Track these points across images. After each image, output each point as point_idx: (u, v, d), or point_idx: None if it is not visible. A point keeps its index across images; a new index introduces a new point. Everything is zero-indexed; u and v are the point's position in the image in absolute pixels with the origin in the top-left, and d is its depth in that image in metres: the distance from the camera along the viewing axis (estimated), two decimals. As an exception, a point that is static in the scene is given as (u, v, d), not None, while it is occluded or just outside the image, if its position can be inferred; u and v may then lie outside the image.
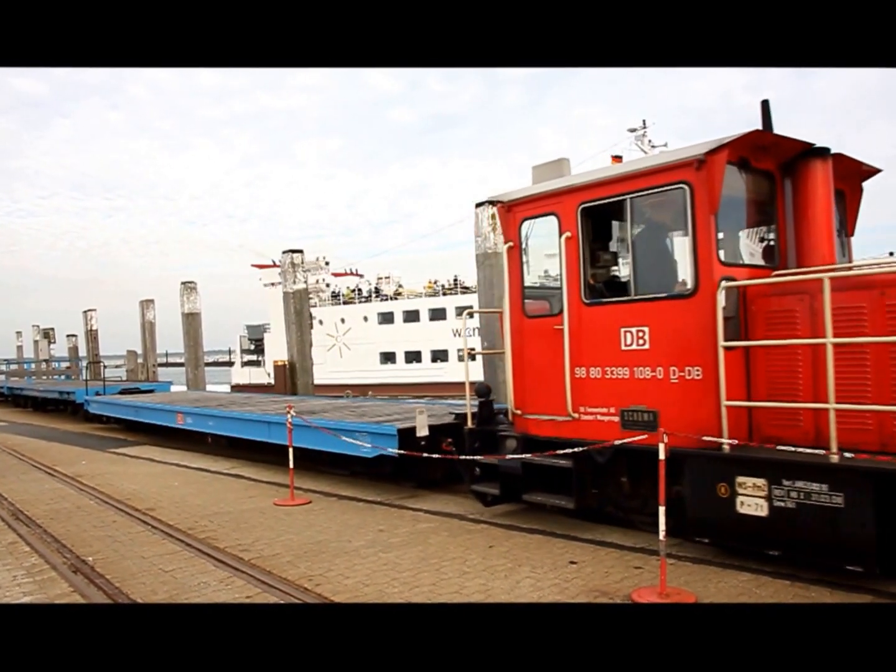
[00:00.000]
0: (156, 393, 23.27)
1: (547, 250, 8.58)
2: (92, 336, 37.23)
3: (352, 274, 63.00)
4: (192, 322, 27.53)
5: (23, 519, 9.53)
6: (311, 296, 59.09)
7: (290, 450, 10.45)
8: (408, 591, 6.20)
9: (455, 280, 50.14)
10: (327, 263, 63.00)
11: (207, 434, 15.16)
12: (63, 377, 39.81)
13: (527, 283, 8.62)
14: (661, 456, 5.95)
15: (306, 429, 11.16)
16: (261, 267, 64.96)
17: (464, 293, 48.21)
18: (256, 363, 62.87)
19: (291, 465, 10.35)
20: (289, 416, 10.60)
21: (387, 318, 51.90)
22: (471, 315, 8.22)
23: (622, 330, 7.36)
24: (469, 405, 9.21)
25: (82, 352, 40.06)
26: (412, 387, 46.20)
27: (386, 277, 58.08)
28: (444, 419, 10.55)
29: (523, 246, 8.53)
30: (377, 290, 55.73)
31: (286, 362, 21.75)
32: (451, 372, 45.44)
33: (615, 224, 8.27)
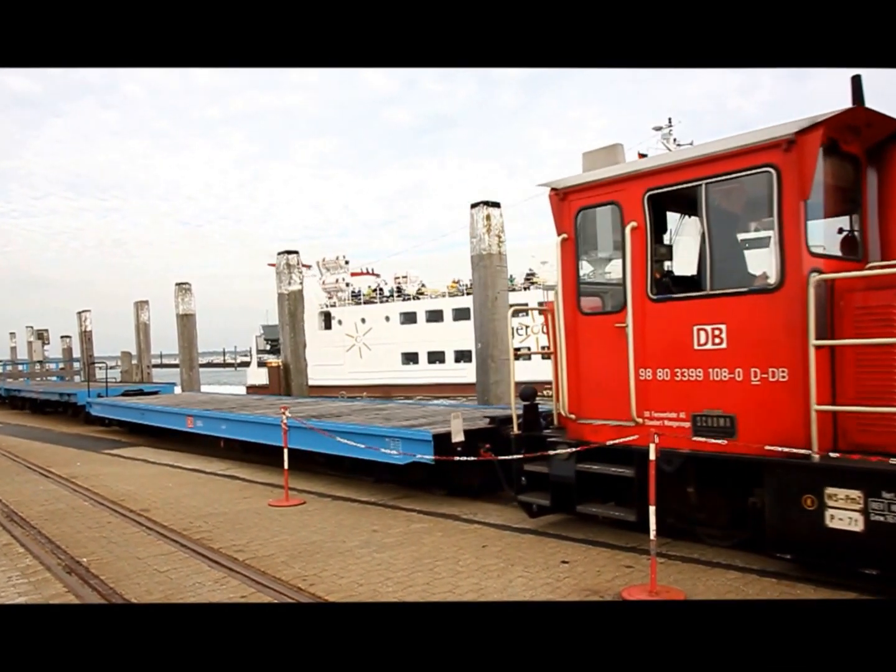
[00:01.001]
0: (160, 395, 22.79)
1: (606, 242, 7.95)
2: (86, 337, 37.16)
3: (368, 273, 61.88)
4: (186, 323, 27.50)
5: (17, 520, 9.55)
6: (329, 295, 58.05)
7: (286, 450, 10.49)
8: (402, 590, 6.25)
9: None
10: (347, 262, 62.04)
11: (220, 438, 14.62)
12: (59, 378, 39.61)
13: (582, 278, 7.97)
14: (652, 456, 6.01)
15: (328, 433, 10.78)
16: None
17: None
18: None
19: (286, 467, 10.39)
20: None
21: (409, 317, 51.01)
22: (516, 313, 7.97)
23: (695, 328, 6.79)
24: (514, 409, 8.61)
25: (76, 353, 39.98)
26: (435, 387, 45.43)
27: (404, 277, 57.04)
28: (477, 423, 9.95)
29: (579, 237, 7.86)
30: (399, 290, 54.78)
31: (280, 364, 21.76)
32: (475, 373, 44.50)
33: (687, 213, 7.76)
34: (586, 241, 7.98)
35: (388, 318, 52.30)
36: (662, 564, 6.43)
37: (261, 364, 62.46)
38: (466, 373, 46.27)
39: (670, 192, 7.12)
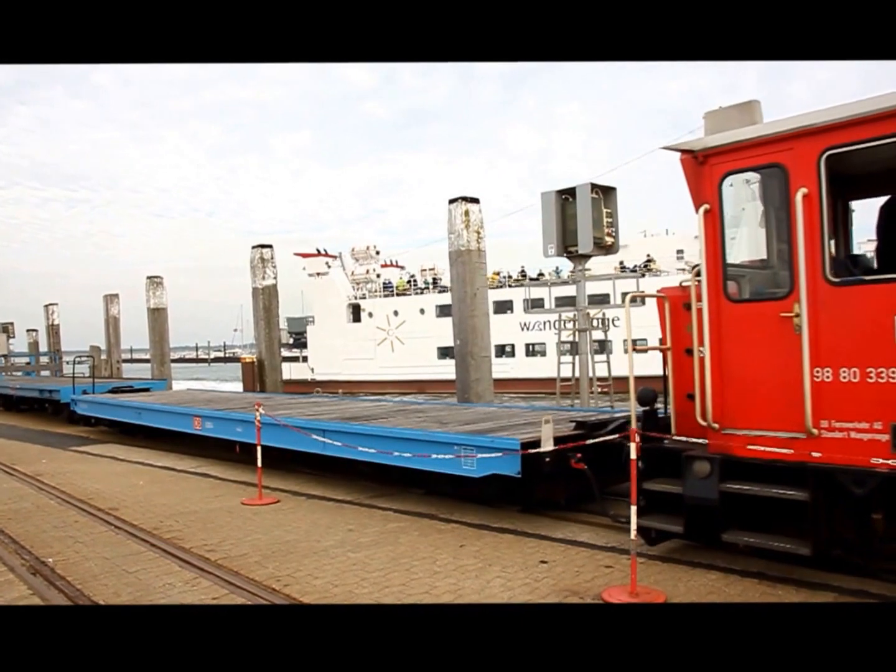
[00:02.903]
0: (153, 392, 21.32)
1: (763, 214, 6.84)
2: (53, 331, 36.68)
3: (393, 265, 60.68)
4: (157, 317, 27.24)
5: (-20, 519, 9.30)
6: (359, 286, 56.91)
7: (259, 448, 10.33)
8: (377, 591, 6.13)
9: (522, 271, 47.53)
10: (378, 253, 60.31)
11: (235, 442, 12.66)
12: (26, 374, 38.83)
13: (731, 259, 6.68)
14: (633, 455, 5.95)
15: (372, 439, 9.71)
16: (304, 256, 61.69)
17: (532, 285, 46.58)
18: (294, 359, 59.26)
19: (259, 464, 10.22)
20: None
21: (446, 310, 47.12)
22: (634, 300, 7.04)
23: None
24: (634, 413, 6.98)
25: (43, 347, 39.44)
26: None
27: (431, 269, 55.38)
28: (561, 430, 8.69)
29: (725, 208, 6.55)
30: (434, 281, 53.06)
31: (254, 359, 21.56)
32: (517, 368, 43.73)
33: (880, 175, 6.50)
34: (736, 213, 6.76)
35: (422, 311, 50.46)
36: (643, 564, 6.36)
37: (285, 359, 61.15)
38: (509, 368, 44.38)
39: (860, 151, 5.76)
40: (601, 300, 45.84)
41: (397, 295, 53.09)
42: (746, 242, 7.06)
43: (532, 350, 45.90)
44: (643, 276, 43.95)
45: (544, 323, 45.06)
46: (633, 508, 5.84)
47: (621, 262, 45.62)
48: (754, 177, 6.61)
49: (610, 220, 15.07)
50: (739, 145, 6.37)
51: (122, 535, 8.36)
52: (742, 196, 6.78)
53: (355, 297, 55.65)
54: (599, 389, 15.90)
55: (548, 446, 7.86)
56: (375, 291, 55.46)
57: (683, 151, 6.67)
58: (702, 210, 6.53)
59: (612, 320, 44.45)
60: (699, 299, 6.57)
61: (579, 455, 7.97)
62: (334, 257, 59.74)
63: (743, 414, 6.32)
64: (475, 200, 15.56)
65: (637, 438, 6.01)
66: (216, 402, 16.20)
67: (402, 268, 60.18)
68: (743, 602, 5.55)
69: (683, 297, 7.02)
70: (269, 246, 21.80)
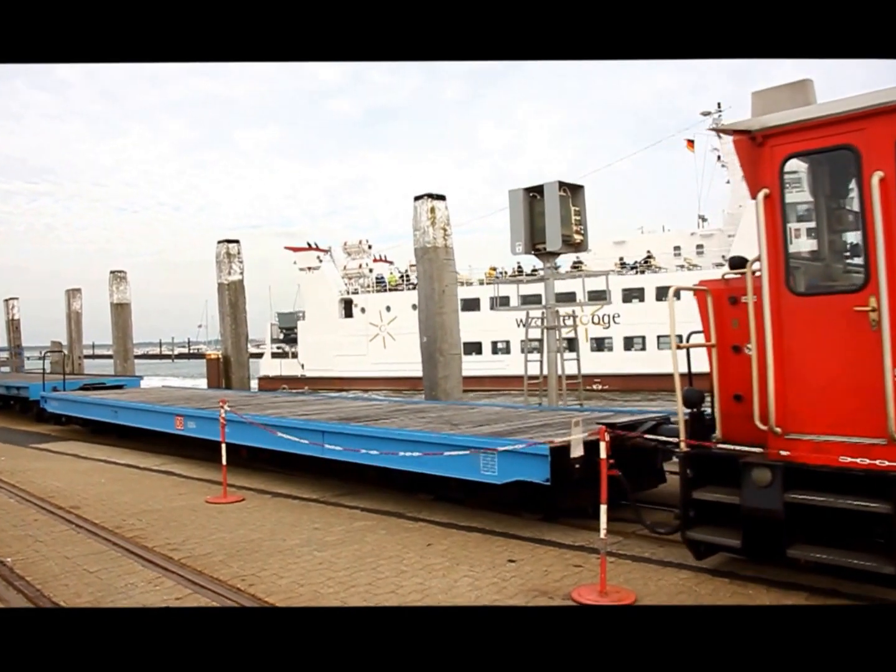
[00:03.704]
0: (127, 389, 20.36)
1: (832, 199, 6.30)
2: (13, 326, 35.97)
3: (382, 261, 59.84)
4: (120, 313, 26.87)
5: (-64, 518, 9.08)
6: (350, 281, 56.09)
7: (223, 445, 10.19)
8: (343, 590, 6.07)
9: (519, 268, 46.38)
10: (370, 247, 59.48)
11: (239, 446, 11.48)
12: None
13: (793, 248, 6.08)
14: (603, 454, 5.95)
15: (378, 441, 9.08)
16: (295, 250, 60.47)
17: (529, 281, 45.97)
18: (284, 354, 58.75)
19: (224, 462, 10.09)
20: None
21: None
22: (678, 295, 6.54)
23: None
24: (682, 416, 6.59)
25: (2, 342, 38.72)
26: (470, 380, 43.92)
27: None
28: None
29: (787, 193, 5.95)
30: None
31: (220, 356, 21.32)
32: (513, 365, 42.19)
33: None
34: (800, 198, 6.20)
35: (415, 307, 50.20)
36: (612, 563, 6.35)
37: (275, 355, 59.74)
38: (505, 365, 43.75)
39: None
40: (598, 296, 45.72)
41: (390, 290, 52.31)
42: (825, 229, 6.34)
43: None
44: (643, 272, 44.35)
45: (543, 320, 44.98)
46: (603, 507, 5.82)
47: (621, 259, 45.88)
48: (808, 161, 6.10)
49: (578, 217, 15.10)
50: (804, 125, 5.81)
51: (84, 533, 8.21)
52: (832, 178, 6.19)
53: (347, 292, 55.10)
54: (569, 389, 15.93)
55: (577, 451, 7.24)
56: (368, 286, 54.81)
57: (738, 132, 6.12)
58: (761, 195, 5.95)
59: (613, 317, 44.79)
60: (755, 293, 6.01)
61: (612, 461, 7.26)
62: (325, 251, 59.20)
63: (809, 418, 5.75)
64: (441, 197, 15.50)
65: (607, 437, 6.01)
66: (197, 400, 15.40)
67: (391, 263, 59.88)
68: (713, 605, 5.55)
69: (728, 291, 6.63)
70: (236, 241, 21.58)
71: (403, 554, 7.06)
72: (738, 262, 6.57)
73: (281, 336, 60.77)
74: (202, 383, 33.43)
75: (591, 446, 7.09)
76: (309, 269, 56.96)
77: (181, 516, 8.88)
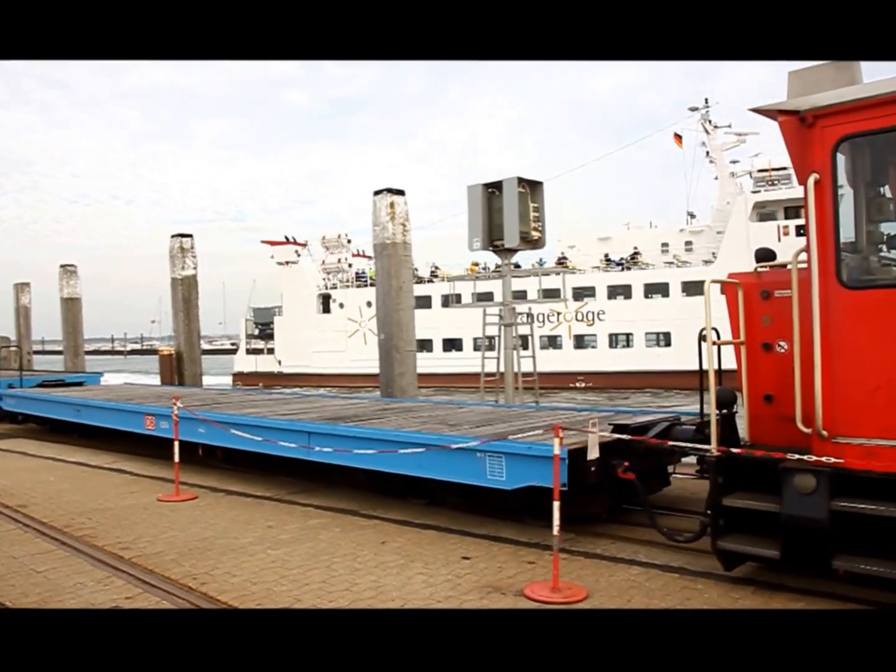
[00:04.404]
0: (88, 386, 19.54)
1: (884, 184, 5.86)
2: (-40, 321, 35.10)
3: (362, 255, 58.76)
4: (71, 308, 26.35)
5: None
6: (329, 276, 55.26)
7: (176, 443, 10.07)
8: (297, 589, 6.04)
9: (516, 264, 46.67)
10: (349, 241, 58.48)
11: (199, 445, 11.10)
12: None
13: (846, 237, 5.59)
14: (556, 450, 5.99)
15: (373, 444, 8.52)
16: (272, 244, 59.55)
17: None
18: (260, 350, 57.98)
19: (177, 459, 9.97)
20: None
21: (422, 301, 44.75)
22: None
23: None
24: (715, 417, 6.10)
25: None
26: (451, 377, 42.85)
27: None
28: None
29: (840, 178, 5.50)
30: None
31: (172, 352, 21.01)
32: (468, 362, 41.50)
33: None
34: (856, 184, 5.69)
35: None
36: (565, 560, 6.41)
37: (250, 351, 58.90)
38: (488, 362, 43.37)
39: None
40: (588, 293, 45.22)
41: (370, 285, 50.73)
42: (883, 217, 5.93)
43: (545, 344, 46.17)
44: (630, 268, 44.58)
45: (527, 316, 44.89)
46: (556, 504, 5.87)
47: (606, 255, 46.06)
48: (865, 143, 5.58)
49: (537, 214, 15.15)
50: (859, 104, 5.35)
51: (31, 533, 8.05)
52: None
53: (326, 287, 54.54)
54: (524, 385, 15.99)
55: (594, 453, 6.90)
56: (347, 281, 54.22)
57: (784, 112, 5.64)
58: (811, 180, 5.48)
59: (598, 314, 44.85)
60: (802, 286, 5.60)
61: (627, 463, 7.14)
62: (303, 245, 58.52)
63: (859, 420, 5.38)
64: (401, 192, 15.40)
65: (560, 434, 6.05)
66: (167, 397, 13.50)
67: (370, 258, 59.34)
68: (663, 608, 5.63)
69: (760, 285, 6.29)
70: (189, 235, 21.26)
71: (358, 552, 7.05)
72: (764, 255, 6.36)
73: (256, 332, 60.00)
74: (155, 380, 32.91)
75: (604, 448, 6.94)
76: (287, 263, 56.37)
77: (132, 515, 8.76)
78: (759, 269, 6.42)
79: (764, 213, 41.73)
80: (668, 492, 8.56)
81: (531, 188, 15.17)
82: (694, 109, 45.46)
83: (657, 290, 43.22)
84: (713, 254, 42.32)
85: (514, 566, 6.52)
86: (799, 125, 5.56)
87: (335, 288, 54.06)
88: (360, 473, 9.21)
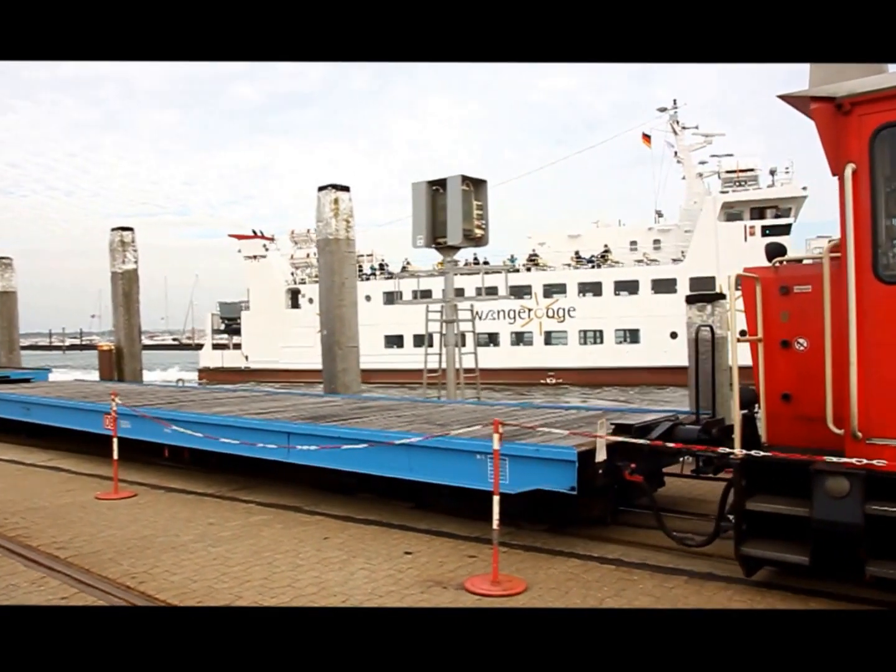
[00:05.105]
0: (37, 383, 18.66)
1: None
2: None
3: None
4: (5, 301, 25.60)
5: None
6: (298, 271, 54.72)
7: (115, 439, 9.91)
8: (238, 586, 6.01)
9: (475, 258, 45.45)
10: None
11: (165, 446, 10.66)
12: None
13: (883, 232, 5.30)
14: (495, 445, 6.06)
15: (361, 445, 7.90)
16: (239, 238, 58.33)
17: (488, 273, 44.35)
18: (225, 346, 57.46)
19: (115, 456, 9.80)
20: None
21: (392, 297, 44.36)
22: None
23: None
24: (738, 418, 5.90)
25: None
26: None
27: (369, 255, 53.13)
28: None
29: (878, 168, 5.22)
30: (381, 267, 51.01)
31: (112, 347, 20.61)
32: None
33: None
34: (894, 174, 5.36)
35: (368, 298, 47.89)
36: (505, 554, 6.50)
37: (216, 346, 58.17)
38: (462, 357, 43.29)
39: None
40: (559, 290, 45.28)
41: None
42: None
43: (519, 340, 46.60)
44: (600, 266, 44.92)
45: (498, 312, 45.56)
46: (496, 499, 5.94)
47: (577, 252, 46.40)
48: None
49: (480, 212, 15.26)
50: None
51: (-38, 533, 7.84)
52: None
53: (294, 282, 53.99)
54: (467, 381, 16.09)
55: (602, 455, 6.66)
56: (316, 276, 54.07)
57: (818, 99, 5.35)
58: (848, 170, 5.22)
59: (569, 310, 45.01)
60: (837, 280, 5.36)
61: (633, 465, 6.91)
62: (271, 239, 57.79)
63: None
64: (345, 188, 15.36)
65: (500, 429, 6.12)
66: (124, 395, 12.82)
67: None
68: (606, 608, 5.74)
69: (778, 280, 6.09)
70: (130, 229, 20.89)
71: (300, 548, 7.04)
72: (775, 250, 6.24)
73: (223, 327, 59.33)
74: (94, 376, 32.19)
75: (612, 450, 6.75)
76: (255, 257, 55.68)
77: (69, 513, 8.59)
78: (776, 264, 6.22)
79: (732, 213, 42.95)
80: (662, 492, 8.21)
81: (475, 186, 15.27)
82: (662, 110, 46.16)
83: (627, 287, 43.98)
84: (682, 252, 43.11)
85: (456, 560, 6.58)
86: (834, 113, 5.30)
87: (304, 283, 53.63)
88: (349, 477, 8.73)
